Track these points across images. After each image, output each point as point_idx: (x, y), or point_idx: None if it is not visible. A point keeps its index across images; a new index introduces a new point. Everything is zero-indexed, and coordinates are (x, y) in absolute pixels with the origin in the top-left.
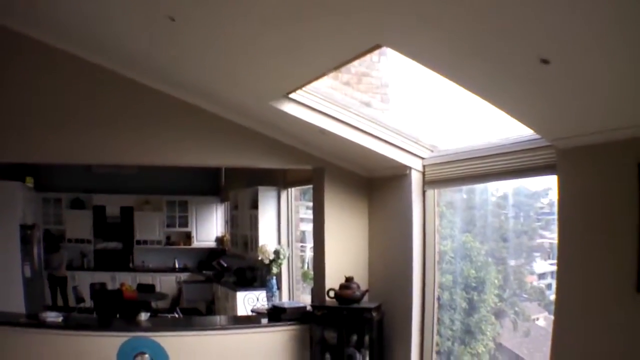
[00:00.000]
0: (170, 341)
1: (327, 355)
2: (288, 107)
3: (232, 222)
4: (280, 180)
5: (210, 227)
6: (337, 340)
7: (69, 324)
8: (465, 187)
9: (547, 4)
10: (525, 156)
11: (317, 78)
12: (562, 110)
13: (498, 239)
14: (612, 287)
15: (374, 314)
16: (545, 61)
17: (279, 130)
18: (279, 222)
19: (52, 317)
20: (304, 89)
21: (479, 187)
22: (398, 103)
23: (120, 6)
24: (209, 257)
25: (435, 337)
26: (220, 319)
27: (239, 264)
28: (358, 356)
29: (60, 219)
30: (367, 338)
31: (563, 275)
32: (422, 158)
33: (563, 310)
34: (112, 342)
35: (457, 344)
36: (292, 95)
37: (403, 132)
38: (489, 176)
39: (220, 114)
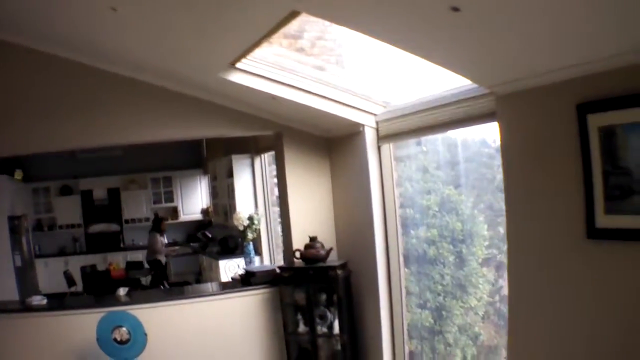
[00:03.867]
0: (146, 312)
1: (299, 316)
2: (236, 77)
3: (213, 192)
4: (252, 148)
5: (195, 200)
6: (306, 301)
7: (52, 306)
8: (451, 141)
9: None
10: (468, 105)
11: (252, 48)
12: (493, 56)
13: (491, 191)
14: (562, 235)
15: (339, 271)
16: (455, 9)
17: (237, 101)
18: (254, 189)
19: (37, 300)
20: (250, 57)
21: (465, 140)
22: (352, 64)
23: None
24: (196, 230)
25: (404, 288)
26: (192, 288)
27: (223, 233)
28: (329, 315)
29: (50, 207)
30: (335, 296)
31: (512, 224)
32: (375, 115)
33: (514, 262)
34: (92, 318)
35: (449, 298)
36: (238, 65)
37: (354, 91)
38: (436, 127)
39: (182, 91)
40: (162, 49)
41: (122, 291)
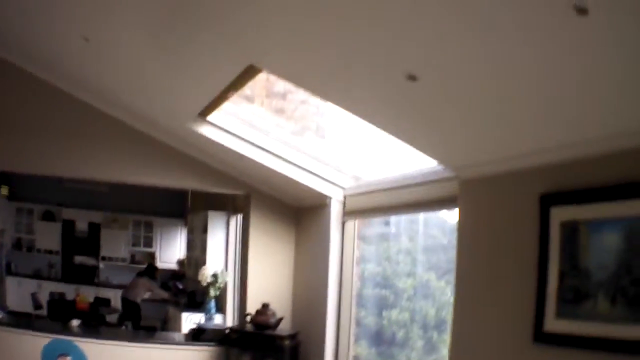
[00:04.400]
0: (92, 347)
1: None
2: (204, 129)
3: (188, 245)
4: (230, 206)
5: (173, 249)
6: None
7: (3, 322)
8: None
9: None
10: (433, 187)
11: (218, 101)
12: (456, 135)
13: None
14: (508, 335)
15: (287, 342)
16: (412, 77)
17: (210, 156)
18: (227, 247)
19: None
20: (221, 111)
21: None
22: (330, 133)
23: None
24: (170, 279)
25: None
26: (143, 333)
27: (193, 287)
28: None
29: (31, 229)
30: None
31: (459, 319)
32: (344, 188)
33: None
34: (39, 341)
35: None
36: (208, 118)
37: (325, 161)
38: (400, 208)
39: (154, 136)
40: (135, 87)
41: (74, 322)
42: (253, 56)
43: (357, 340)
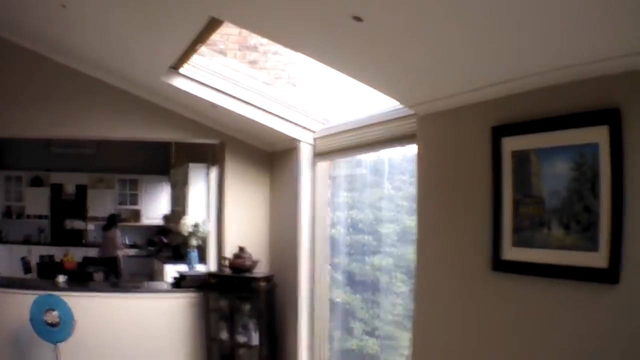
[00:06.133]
0: (78, 300)
1: (223, 323)
2: (177, 82)
3: (172, 199)
4: (210, 158)
5: (158, 205)
6: (230, 309)
7: None
8: None
9: None
10: (395, 125)
11: (188, 54)
12: (410, 73)
13: None
14: (469, 265)
15: (262, 284)
16: (357, 18)
17: (184, 107)
18: (208, 198)
19: None
20: (193, 64)
21: None
22: (300, 80)
23: None
24: (156, 234)
25: (326, 313)
26: (127, 285)
27: (178, 240)
28: (251, 326)
29: (20, 196)
30: (254, 307)
31: (422, 251)
32: (314, 131)
33: (422, 293)
34: (28, 299)
35: (400, 329)
36: (181, 70)
37: (294, 106)
38: (365, 147)
39: (132, 92)
40: (110, 47)
41: (61, 278)
42: (212, 9)
43: (340, 285)
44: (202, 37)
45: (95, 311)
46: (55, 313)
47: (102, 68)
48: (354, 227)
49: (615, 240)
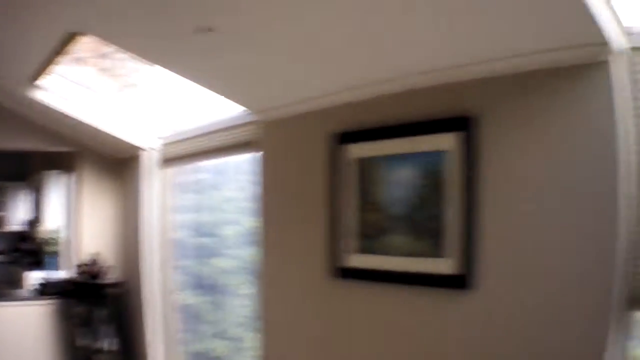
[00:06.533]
0: None
1: (81, 329)
2: (34, 93)
3: (33, 206)
4: (66, 165)
5: (20, 210)
6: (86, 315)
7: None
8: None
9: None
10: (240, 132)
11: (46, 66)
12: (259, 84)
13: None
14: (311, 271)
15: (115, 289)
16: (207, 29)
17: (42, 115)
18: (67, 205)
19: None
20: (48, 73)
21: None
22: (149, 86)
23: None
24: (20, 240)
25: (176, 317)
26: None
27: (38, 246)
28: (107, 331)
29: None
30: (108, 312)
31: (266, 258)
32: (160, 138)
33: (266, 298)
34: None
35: (248, 331)
36: (38, 82)
37: (141, 114)
38: (211, 153)
39: None
40: None
41: None
42: (69, 23)
43: (188, 289)
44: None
45: None
46: None
47: None
48: (198, 230)
49: (464, 247)
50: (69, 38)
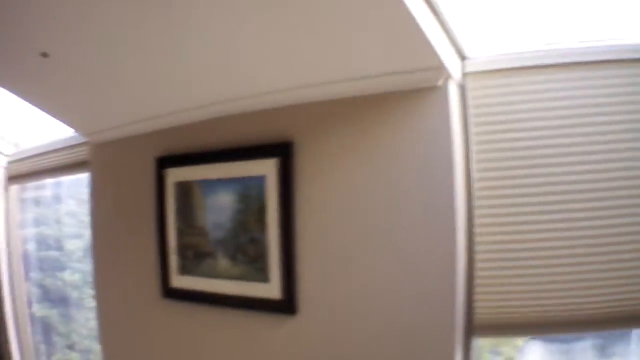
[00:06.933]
0: None
1: None
2: None
3: None
4: None
5: None
6: None
7: None
8: None
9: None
10: (73, 152)
11: None
12: (86, 106)
13: None
14: (142, 292)
15: None
16: (44, 54)
17: None
18: None
19: None
20: None
21: None
22: None
23: None
24: None
25: (28, 328)
26: None
27: None
28: None
29: None
30: None
31: (100, 273)
32: (7, 155)
33: (104, 315)
34: None
35: (96, 342)
36: None
37: None
38: (48, 172)
39: None
40: None
41: None
42: None
43: (40, 301)
44: None
45: None
46: None
47: None
48: (43, 243)
49: (286, 272)
50: None
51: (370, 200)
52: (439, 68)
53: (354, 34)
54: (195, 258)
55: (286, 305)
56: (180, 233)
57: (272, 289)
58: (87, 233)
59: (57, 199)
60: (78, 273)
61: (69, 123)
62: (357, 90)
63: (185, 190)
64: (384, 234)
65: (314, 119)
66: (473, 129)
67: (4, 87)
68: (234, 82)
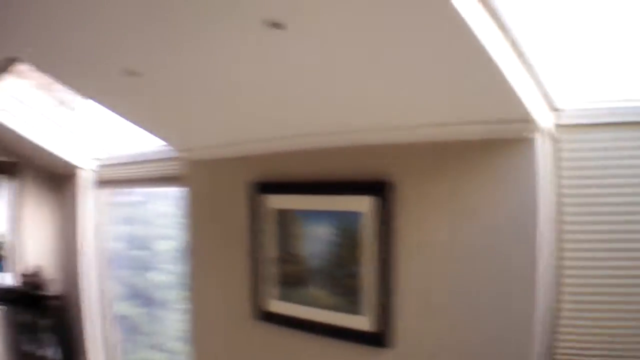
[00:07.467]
0: None
1: (23, 336)
2: None
3: None
4: (7, 170)
5: None
6: (29, 324)
7: None
8: None
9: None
10: (166, 165)
11: None
12: (181, 125)
13: None
14: (235, 312)
15: (54, 301)
16: (133, 73)
17: None
18: (9, 209)
19: None
20: None
21: None
22: (85, 105)
23: None
24: None
25: (113, 326)
26: None
27: None
28: (50, 340)
29: None
30: (51, 322)
31: (195, 295)
32: (96, 159)
33: (196, 337)
34: None
35: (182, 343)
36: None
37: (77, 133)
38: (141, 182)
39: None
40: None
41: None
42: (9, 51)
43: (125, 300)
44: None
45: None
46: None
47: None
48: (133, 242)
49: (380, 306)
50: (8, 63)
51: (463, 244)
52: (527, 120)
53: (448, 81)
54: (290, 284)
55: (379, 338)
56: (277, 259)
57: (364, 322)
58: (176, 234)
59: (148, 199)
60: (167, 274)
61: (163, 138)
62: (450, 135)
63: (283, 217)
64: (472, 279)
65: (410, 160)
66: (562, 182)
67: (98, 102)
68: (336, 116)
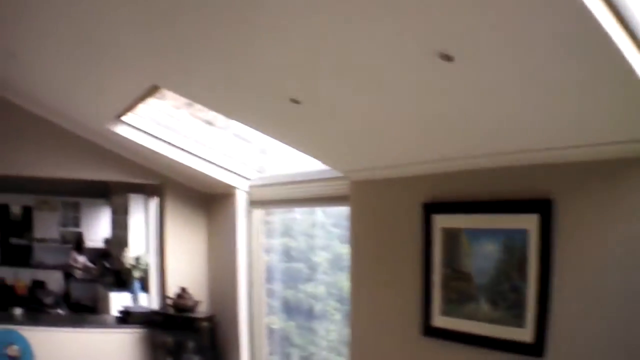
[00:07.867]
0: (33, 334)
1: (169, 359)
2: (121, 129)
3: (112, 224)
4: (148, 189)
5: (99, 228)
6: (174, 346)
7: None
8: None
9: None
10: (327, 185)
11: (131, 107)
12: (345, 148)
13: None
14: (400, 327)
15: (205, 323)
16: (295, 101)
17: (126, 149)
18: (147, 228)
19: None
20: (135, 112)
21: None
22: (237, 126)
23: None
24: (100, 258)
25: (265, 341)
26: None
27: (119, 266)
28: None
29: None
30: (199, 344)
31: (355, 310)
32: (249, 179)
33: (356, 353)
34: None
35: (334, 354)
36: (123, 118)
37: (230, 154)
38: (298, 201)
39: (76, 132)
40: (58, 95)
41: (17, 310)
42: (154, 78)
43: (275, 313)
44: (143, 97)
45: (50, 346)
46: (15, 347)
47: (50, 110)
48: (287, 254)
49: (540, 318)
50: (153, 89)
51: (623, 254)
52: None
53: (607, 102)
54: (456, 300)
55: (536, 348)
56: (446, 276)
57: (525, 334)
58: (334, 244)
59: (306, 210)
60: (323, 285)
61: (327, 163)
62: (606, 154)
63: (451, 236)
64: (629, 288)
65: (572, 178)
66: None
67: (261, 132)
68: (503, 137)
